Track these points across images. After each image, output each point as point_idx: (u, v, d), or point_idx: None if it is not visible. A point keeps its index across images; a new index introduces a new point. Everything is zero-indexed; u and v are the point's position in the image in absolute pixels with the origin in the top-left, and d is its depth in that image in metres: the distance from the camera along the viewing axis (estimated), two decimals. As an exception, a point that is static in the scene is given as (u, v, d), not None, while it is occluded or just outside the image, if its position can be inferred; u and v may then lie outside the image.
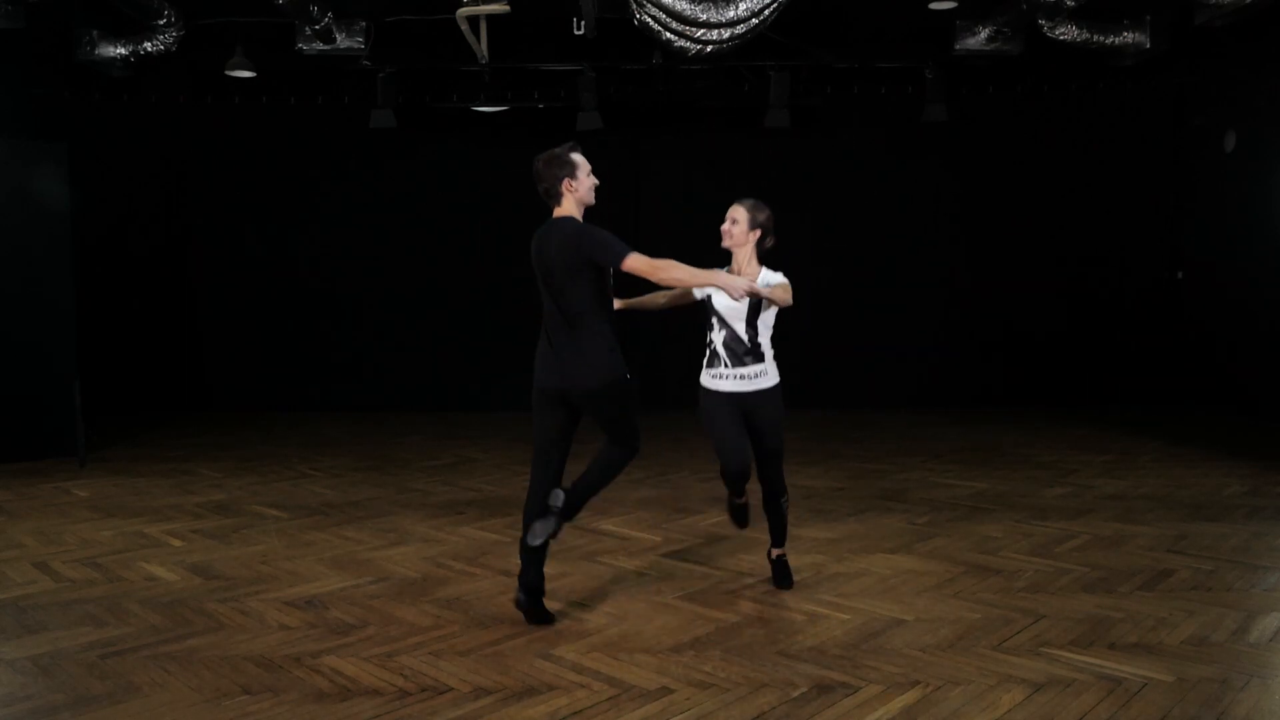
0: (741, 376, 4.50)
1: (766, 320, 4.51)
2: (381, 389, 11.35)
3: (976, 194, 11.35)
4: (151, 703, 3.46)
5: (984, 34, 8.59)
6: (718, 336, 4.52)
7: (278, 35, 8.64)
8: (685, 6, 7.10)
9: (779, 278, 4.47)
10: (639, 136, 11.36)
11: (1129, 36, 8.47)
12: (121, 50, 8.48)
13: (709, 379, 4.57)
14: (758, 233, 4.56)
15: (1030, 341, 11.38)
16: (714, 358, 4.54)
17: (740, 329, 4.48)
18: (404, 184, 11.32)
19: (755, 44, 8.18)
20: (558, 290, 4.12)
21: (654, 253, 4.07)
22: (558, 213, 4.17)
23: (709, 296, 4.51)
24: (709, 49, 7.64)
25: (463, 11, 7.46)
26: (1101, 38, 8.36)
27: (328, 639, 4.08)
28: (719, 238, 4.63)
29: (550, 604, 4.48)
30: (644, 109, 10.95)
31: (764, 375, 4.51)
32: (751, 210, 4.58)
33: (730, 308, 4.46)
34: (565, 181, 4.10)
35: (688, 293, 4.59)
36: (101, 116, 10.73)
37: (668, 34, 7.54)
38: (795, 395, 4.67)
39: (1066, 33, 8.11)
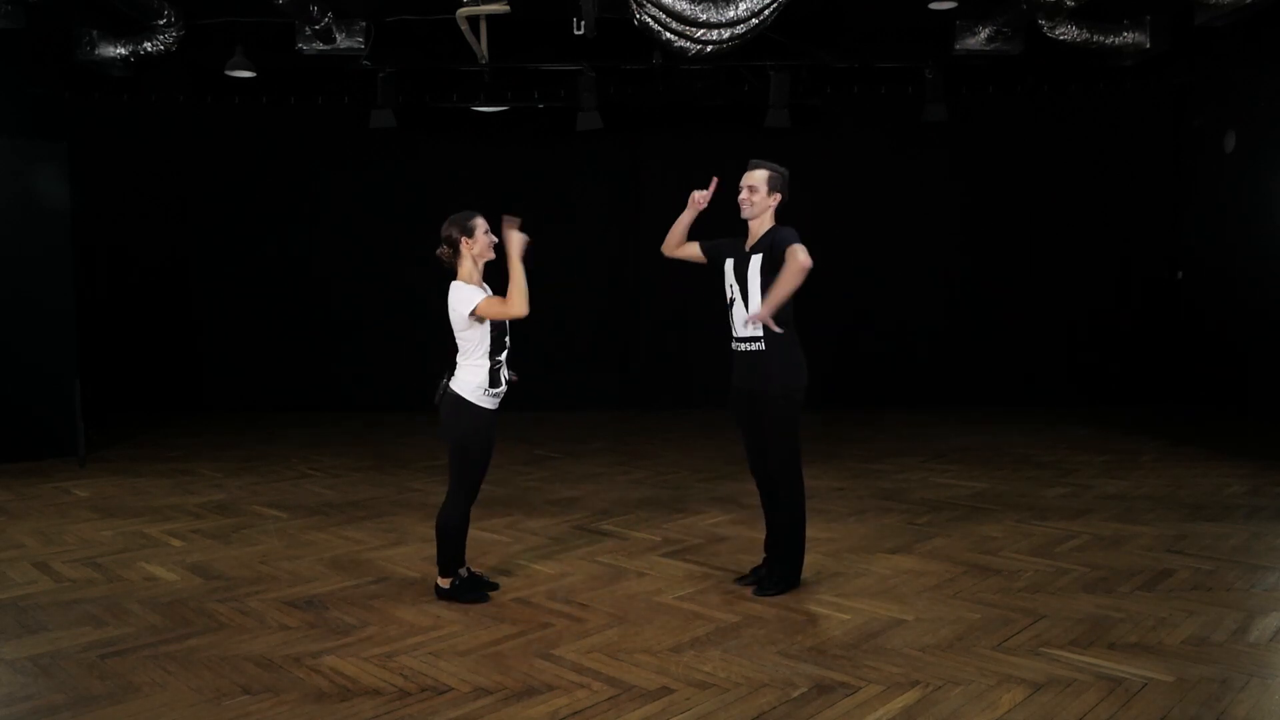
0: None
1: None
2: (381, 389, 11.34)
3: (976, 194, 11.35)
4: (151, 703, 3.46)
5: (984, 34, 8.59)
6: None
7: (278, 35, 8.63)
8: (685, 6, 7.10)
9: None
10: (639, 136, 11.34)
11: (1129, 36, 8.47)
12: (121, 50, 8.48)
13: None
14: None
15: (1030, 341, 11.37)
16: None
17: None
18: (404, 184, 11.31)
19: (755, 44, 8.17)
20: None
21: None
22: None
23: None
24: (709, 49, 7.63)
25: (463, 11, 7.46)
26: (1101, 38, 8.35)
27: (328, 639, 4.08)
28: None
29: (550, 604, 4.52)
30: (644, 109, 10.94)
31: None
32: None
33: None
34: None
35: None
36: (101, 116, 10.74)
37: (668, 34, 7.53)
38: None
39: (1066, 33, 8.10)
